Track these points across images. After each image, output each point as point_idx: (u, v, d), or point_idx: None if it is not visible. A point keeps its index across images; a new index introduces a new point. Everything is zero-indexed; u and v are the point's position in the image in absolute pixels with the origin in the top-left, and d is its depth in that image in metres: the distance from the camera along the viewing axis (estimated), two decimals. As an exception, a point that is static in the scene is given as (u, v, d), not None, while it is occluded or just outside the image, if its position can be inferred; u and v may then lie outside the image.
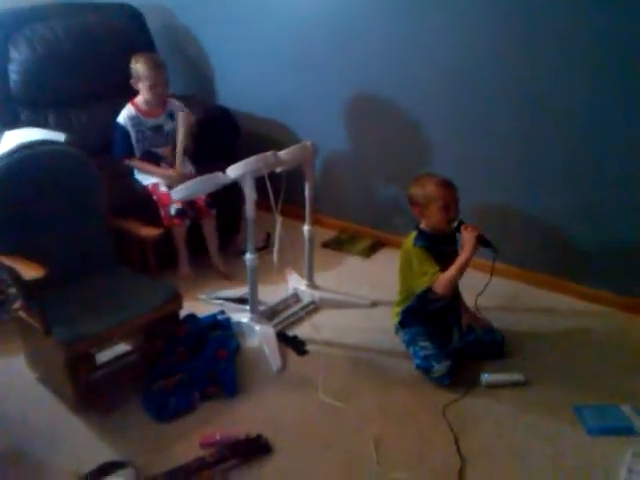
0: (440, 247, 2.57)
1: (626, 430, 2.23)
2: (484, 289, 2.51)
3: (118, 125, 3.16)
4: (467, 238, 2.44)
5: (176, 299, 2.45)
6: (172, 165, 3.23)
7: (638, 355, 2.68)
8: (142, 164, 3.20)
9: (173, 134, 3.25)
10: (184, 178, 2.94)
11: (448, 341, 2.62)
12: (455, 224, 2.51)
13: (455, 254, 2.54)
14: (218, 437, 2.18)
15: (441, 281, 2.46)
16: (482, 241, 2.44)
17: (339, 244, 3.65)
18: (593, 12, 2.65)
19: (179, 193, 2.57)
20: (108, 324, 2.28)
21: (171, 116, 3.26)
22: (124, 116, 3.15)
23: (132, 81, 3.16)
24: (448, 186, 2.54)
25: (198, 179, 2.62)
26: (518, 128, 3.01)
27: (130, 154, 3.19)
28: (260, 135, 3.82)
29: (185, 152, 3.26)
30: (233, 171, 2.55)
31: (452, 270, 2.45)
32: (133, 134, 3.16)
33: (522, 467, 2.12)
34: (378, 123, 3.48)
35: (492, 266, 2.49)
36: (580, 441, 2.21)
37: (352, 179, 3.72)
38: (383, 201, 3.61)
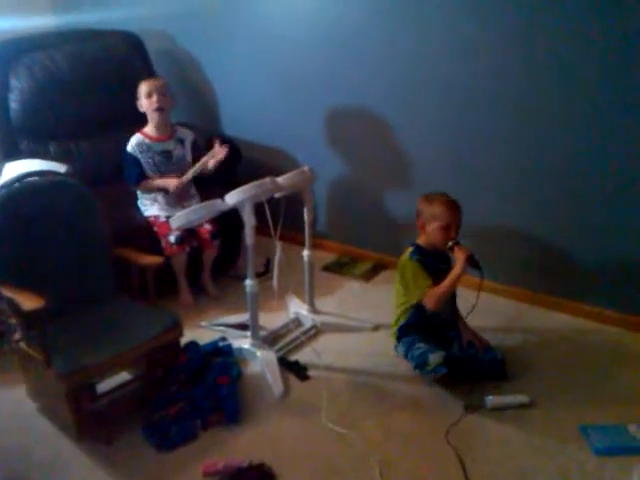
0: (434, 264, 2.62)
1: (633, 450, 2.20)
2: (472, 309, 2.57)
3: (127, 153, 3.18)
4: (458, 257, 2.53)
5: (177, 327, 2.45)
6: (181, 194, 3.23)
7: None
8: (147, 182, 3.20)
9: (183, 160, 3.27)
10: (184, 190, 3.14)
11: (444, 347, 2.60)
12: (450, 243, 2.56)
13: (445, 272, 2.57)
14: (221, 465, 2.16)
15: (431, 295, 2.53)
16: (471, 262, 2.52)
17: (340, 267, 3.65)
18: (592, 34, 2.69)
19: (178, 221, 2.58)
20: (109, 354, 2.27)
21: (181, 142, 3.29)
22: (132, 144, 3.18)
23: (137, 103, 3.19)
24: (454, 208, 2.60)
25: (197, 206, 2.64)
26: (516, 148, 3.03)
27: (144, 179, 3.20)
28: (261, 161, 3.84)
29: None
30: (232, 198, 2.56)
31: (441, 286, 2.53)
32: (143, 161, 3.18)
33: (529, 490, 2.09)
34: (377, 146, 3.50)
35: (479, 286, 2.53)
36: (587, 461, 2.18)
37: (352, 202, 3.73)
38: (383, 223, 3.61)
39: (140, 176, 3.19)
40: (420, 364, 2.53)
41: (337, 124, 3.57)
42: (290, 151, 3.79)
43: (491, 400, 2.45)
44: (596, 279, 3.03)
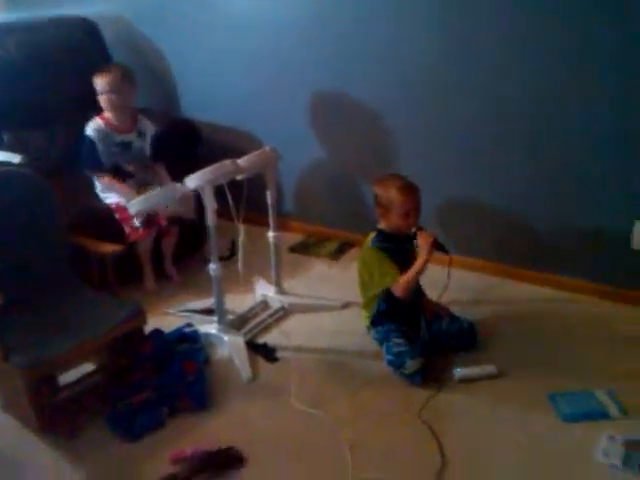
0: (398, 246, 2.59)
1: (600, 415, 2.22)
2: (443, 291, 2.53)
3: (86, 137, 3.09)
4: (422, 244, 2.46)
5: (139, 315, 2.40)
6: (141, 182, 3.16)
7: (607, 338, 2.68)
8: (108, 180, 3.10)
9: (141, 153, 3.21)
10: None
11: (418, 335, 2.58)
12: (413, 230, 2.52)
13: (412, 253, 2.54)
14: (189, 452, 2.12)
15: (400, 284, 2.49)
16: (437, 246, 2.47)
17: (306, 248, 3.61)
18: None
19: (137, 205, 2.51)
20: (69, 345, 2.21)
21: (141, 134, 3.21)
22: (92, 128, 3.09)
23: (98, 98, 3.10)
24: (410, 192, 2.53)
25: (156, 191, 2.58)
26: (481, 121, 3.01)
27: (99, 167, 3.11)
28: (224, 144, 3.76)
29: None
30: (191, 181, 2.50)
31: (409, 275, 2.48)
32: (100, 148, 3.10)
33: (499, 461, 2.09)
34: (341, 123, 3.46)
35: (448, 270, 2.49)
36: (555, 429, 2.19)
37: (317, 181, 3.69)
38: (349, 202, 3.58)
39: (96, 163, 3.11)
40: (396, 364, 2.47)
41: (301, 101, 3.51)
42: (254, 132, 3.72)
43: (460, 372, 2.45)
44: (564, 249, 3.03)
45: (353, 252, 3.52)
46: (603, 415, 2.21)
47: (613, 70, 2.65)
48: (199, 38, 3.70)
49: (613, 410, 2.22)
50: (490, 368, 2.47)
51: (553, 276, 3.08)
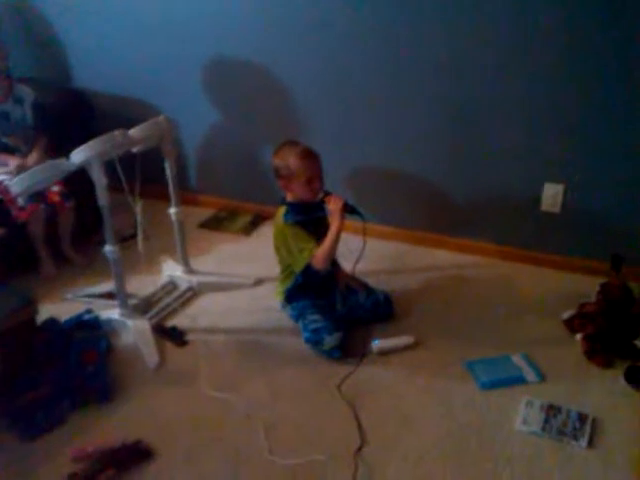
0: (310, 216, 2.45)
1: (518, 380, 2.20)
2: (360, 256, 2.39)
3: None
4: (333, 209, 2.35)
5: (28, 304, 2.21)
6: (25, 156, 2.92)
7: (523, 303, 2.67)
8: None
9: (22, 122, 2.98)
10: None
11: (334, 309, 2.50)
12: (320, 196, 2.40)
13: (325, 220, 2.43)
14: (90, 449, 1.97)
15: (318, 256, 2.36)
16: (348, 209, 2.36)
17: (217, 223, 3.44)
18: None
19: (19, 185, 2.27)
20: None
21: (18, 102, 2.97)
22: None
23: None
24: (310, 158, 2.40)
25: (39, 167, 2.33)
26: (396, 92, 2.92)
27: None
28: (122, 117, 3.49)
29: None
30: (77, 156, 2.28)
31: (325, 245, 2.35)
32: None
33: (418, 433, 2.03)
34: (248, 92, 3.29)
35: (363, 232, 2.36)
36: (473, 397, 2.17)
37: (226, 153, 3.51)
38: (260, 173, 3.42)
39: None
40: (314, 341, 2.38)
41: (206, 70, 3.30)
42: (155, 102, 3.47)
43: (377, 345, 2.39)
44: (477, 214, 3.01)
45: (266, 225, 3.37)
46: (520, 380, 2.20)
47: (525, 48, 2.62)
48: (92, 4, 3.41)
49: (530, 375, 2.22)
50: (407, 338, 2.41)
51: (467, 241, 3.06)
